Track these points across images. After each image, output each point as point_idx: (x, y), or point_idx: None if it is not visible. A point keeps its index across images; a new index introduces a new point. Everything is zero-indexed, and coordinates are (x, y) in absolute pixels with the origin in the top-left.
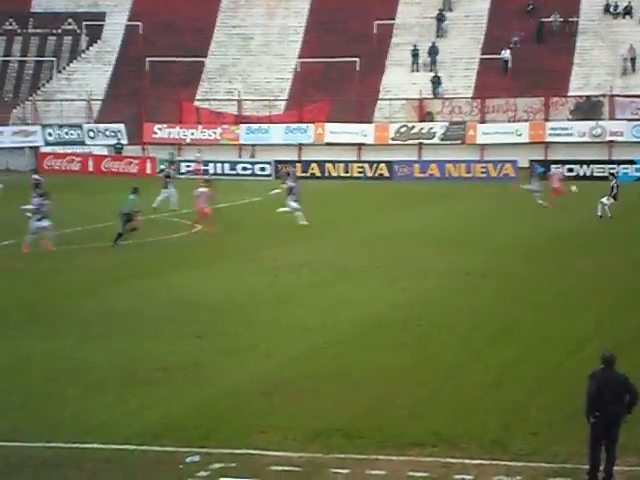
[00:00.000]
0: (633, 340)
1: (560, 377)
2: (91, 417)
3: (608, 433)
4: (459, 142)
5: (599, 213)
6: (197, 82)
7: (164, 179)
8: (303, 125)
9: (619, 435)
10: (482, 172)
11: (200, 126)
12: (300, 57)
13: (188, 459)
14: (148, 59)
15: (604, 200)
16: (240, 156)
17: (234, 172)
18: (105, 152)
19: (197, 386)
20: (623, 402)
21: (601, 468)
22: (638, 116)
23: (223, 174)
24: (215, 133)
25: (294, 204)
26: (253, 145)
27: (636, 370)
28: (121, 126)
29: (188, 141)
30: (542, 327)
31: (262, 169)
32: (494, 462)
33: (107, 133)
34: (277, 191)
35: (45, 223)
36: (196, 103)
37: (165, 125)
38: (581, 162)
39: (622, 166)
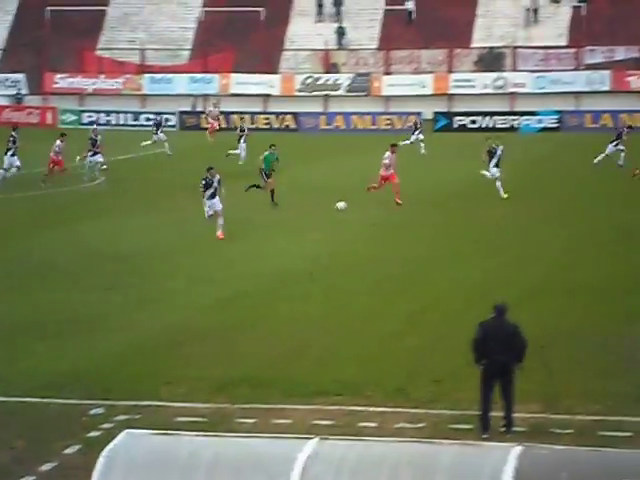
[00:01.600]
0: (538, 289)
1: (464, 325)
2: None
3: (500, 380)
4: (364, 94)
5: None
6: (99, 31)
7: (239, 133)
8: (208, 75)
9: (513, 383)
10: (387, 124)
11: (102, 76)
12: (204, 6)
13: (92, 411)
14: (49, 7)
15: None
16: (143, 107)
17: (137, 123)
18: (6, 102)
19: (105, 338)
20: (512, 351)
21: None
22: (540, 67)
23: (126, 125)
24: (117, 83)
25: (496, 171)
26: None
27: (538, 318)
28: (21, 76)
29: (90, 91)
30: (449, 276)
31: (166, 120)
32: (397, 409)
33: (7, 83)
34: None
35: (218, 206)
36: (98, 52)
37: (66, 75)
38: (484, 114)
39: (524, 117)
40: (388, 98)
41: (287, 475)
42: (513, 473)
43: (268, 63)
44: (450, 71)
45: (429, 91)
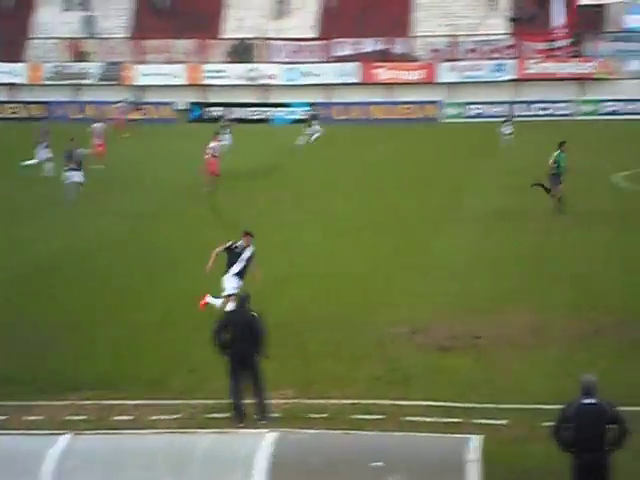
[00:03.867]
0: (295, 276)
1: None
2: None
3: (246, 369)
4: (116, 83)
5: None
6: None
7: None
8: None
9: (259, 371)
10: (142, 113)
11: None
12: None
13: None
14: None
15: None
16: None
17: None
18: None
19: None
20: (253, 340)
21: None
22: (291, 59)
23: None
24: None
25: None
26: None
27: (295, 304)
28: None
29: None
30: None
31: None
32: (154, 401)
33: None
34: None
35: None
36: None
37: None
38: (238, 105)
39: (278, 109)
40: (142, 87)
41: (37, 471)
42: (268, 458)
43: (14, 51)
44: (203, 62)
45: (183, 81)
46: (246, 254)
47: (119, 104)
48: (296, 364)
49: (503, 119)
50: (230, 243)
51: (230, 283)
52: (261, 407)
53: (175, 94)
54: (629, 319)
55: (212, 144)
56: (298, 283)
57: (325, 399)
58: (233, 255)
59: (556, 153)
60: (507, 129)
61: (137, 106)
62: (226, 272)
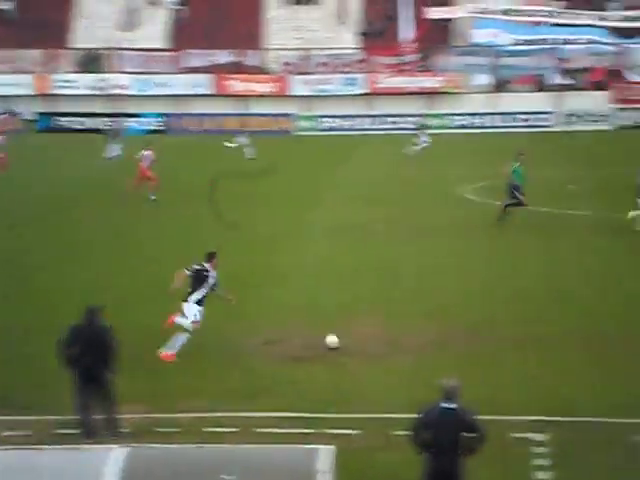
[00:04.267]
0: (138, 292)
1: None
2: None
3: (93, 383)
4: None
5: None
6: None
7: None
8: None
9: (108, 385)
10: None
11: None
12: None
13: None
14: None
15: None
16: None
17: None
18: None
19: None
20: (101, 354)
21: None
22: (142, 70)
23: None
24: None
25: None
26: None
27: (144, 317)
28: None
29: None
30: (62, 281)
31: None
32: (0, 417)
33: None
34: None
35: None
36: None
37: None
38: (88, 115)
39: (132, 119)
40: None
41: None
42: (118, 474)
43: None
44: (51, 72)
45: (30, 91)
46: (210, 280)
47: (3, 115)
48: (147, 378)
49: (416, 130)
50: (199, 266)
51: (192, 310)
52: (111, 422)
53: (23, 104)
54: (479, 328)
55: (145, 152)
56: (147, 299)
57: (177, 413)
58: (199, 279)
59: (516, 165)
60: (422, 139)
61: (16, 117)
62: (188, 296)
